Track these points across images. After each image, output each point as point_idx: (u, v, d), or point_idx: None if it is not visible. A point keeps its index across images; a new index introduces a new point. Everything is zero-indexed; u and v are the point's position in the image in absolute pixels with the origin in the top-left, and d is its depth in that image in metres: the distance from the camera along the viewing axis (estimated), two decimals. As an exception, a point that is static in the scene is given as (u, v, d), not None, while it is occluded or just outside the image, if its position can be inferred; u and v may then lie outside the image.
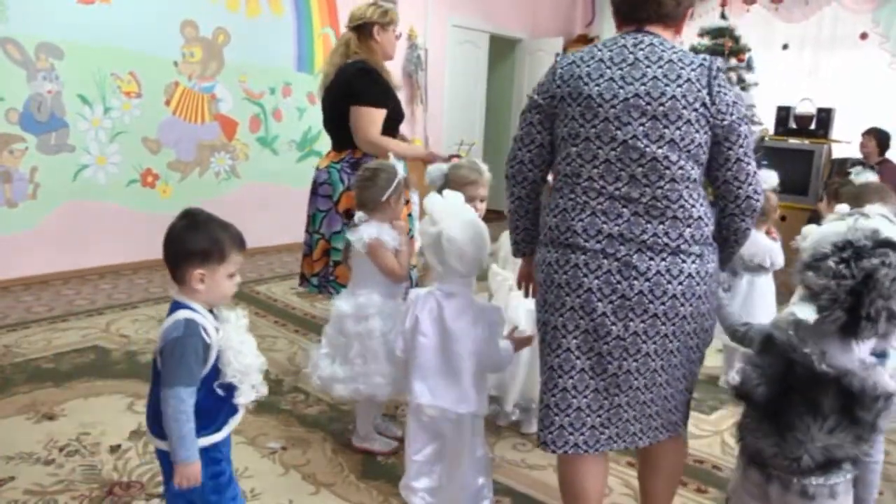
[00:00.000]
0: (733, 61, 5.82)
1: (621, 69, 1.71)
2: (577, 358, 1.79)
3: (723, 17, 6.03)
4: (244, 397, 1.71)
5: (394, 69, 3.59)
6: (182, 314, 1.65)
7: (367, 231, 2.72)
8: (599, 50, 1.77)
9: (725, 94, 1.70)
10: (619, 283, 1.71)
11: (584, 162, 1.74)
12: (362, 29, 3.27)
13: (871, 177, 5.03)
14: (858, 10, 7.32)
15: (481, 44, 8.14)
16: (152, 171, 5.35)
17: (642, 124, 1.68)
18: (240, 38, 5.67)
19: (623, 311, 1.72)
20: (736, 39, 5.84)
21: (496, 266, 3.06)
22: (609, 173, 1.71)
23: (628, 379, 1.77)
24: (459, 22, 7.66)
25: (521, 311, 2.69)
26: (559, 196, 1.80)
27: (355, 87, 3.19)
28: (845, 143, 7.19)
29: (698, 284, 1.73)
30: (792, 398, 1.55)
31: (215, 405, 1.70)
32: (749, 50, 5.87)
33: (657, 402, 1.82)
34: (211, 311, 1.73)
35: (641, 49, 1.72)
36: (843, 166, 6.50)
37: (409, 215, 3.37)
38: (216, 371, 1.68)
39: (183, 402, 1.59)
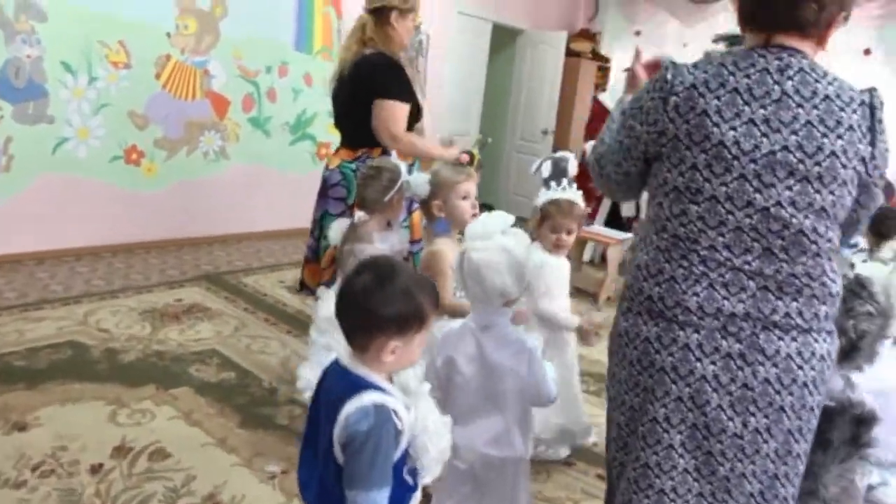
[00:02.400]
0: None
1: (764, 107, 1.36)
2: (681, 456, 1.47)
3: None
4: (430, 476, 1.45)
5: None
6: (370, 398, 1.32)
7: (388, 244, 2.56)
8: (730, 72, 1.39)
9: (884, 141, 1.40)
10: (740, 368, 1.40)
11: (706, 227, 1.39)
12: (380, 13, 2.99)
13: None
14: (863, 24, 7.21)
15: (483, 32, 7.86)
16: (137, 147, 4.98)
17: (790, 188, 1.35)
18: (238, 12, 5.31)
19: (743, 404, 1.42)
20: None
21: None
22: (738, 243, 1.39)
23: (741, 483, 1.46)
24: (465, 9, 7.36)
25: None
26: (664, 260, 1.45)
27: (380, 79, 2.93)
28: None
29: (828, 368, 1.45)
30: None
31: (402, 494, 1.41)
32: (767, 58, 5.66)
33: None
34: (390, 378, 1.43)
35: (790, 78, 1.37)
36: None
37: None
38: (404, 456, 1.40)
39: None
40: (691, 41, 8.32)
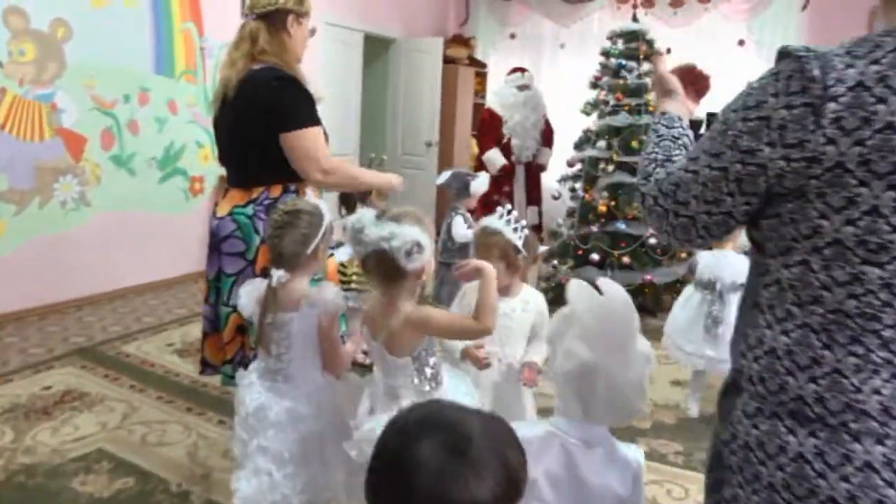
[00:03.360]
0: (645, 66, 5.44)
1: None
2: None
3: (635, 19, 5.63)
4: None
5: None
6: None
7: (321, 296, 2.07)
8: None
9: None
10: None
11: (893, 297, 0.98)
12: (273, 18, 2.46)
13: None
14: (735, 18, 7.32)
15: (355, 44, 7.36)
16: (-26, 203, 4.16)
17: None
18: (84, 33, 4.55)
19: None
20: (650, 44, 5.47)
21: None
22: None
23: None
24: (333, 19, 6.84)
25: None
26: (822, 344, 1.02)
27: (286, 102, 2.39)
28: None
29: None
30: None
31: None
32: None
33: None
34: None
35: None
36: None
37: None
38: None
39: None
40: (568, 41, 8.20)
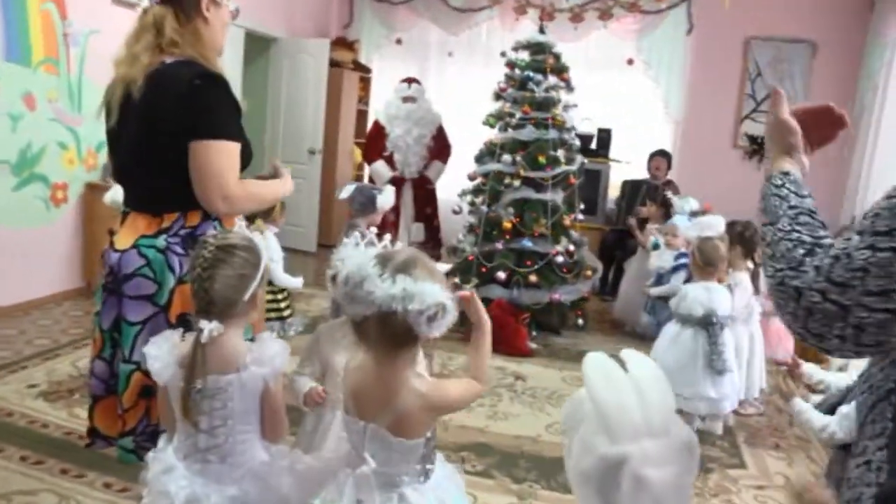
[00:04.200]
0: (552, 79, 5.29)
1: None
2: None
3: (541, 31, 5.46)
4: None
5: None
6: None
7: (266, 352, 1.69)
8: None
9: None
10: None
11: None
12: (182, 2, 2.01)
13: (693, 202, 4.90)
14: (624, 36, 7.40)
15: (235, 40, 6.78)
16: None
17: None
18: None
19: None
20: (557, 57, 5.32)
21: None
22: None
23: None
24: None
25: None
26: None
27: (208, 106, 1.95)
28: (625, 163, 7.22)
29: None
30: None
31: None
32: (568, 69, 5.38)
33: None
34: None
35: None
36: (639, 189, 6.44)
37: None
38: None
39: None
40: (456, 50, 7.98)
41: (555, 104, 5.23)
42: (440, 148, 6.89)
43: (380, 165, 6.77)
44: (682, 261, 4.45)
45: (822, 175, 7.13)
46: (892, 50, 6.24)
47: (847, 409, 2.11)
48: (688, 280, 4.50)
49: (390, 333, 1.43)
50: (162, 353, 1.71)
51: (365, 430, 1.52)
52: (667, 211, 5.65)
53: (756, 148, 7.36)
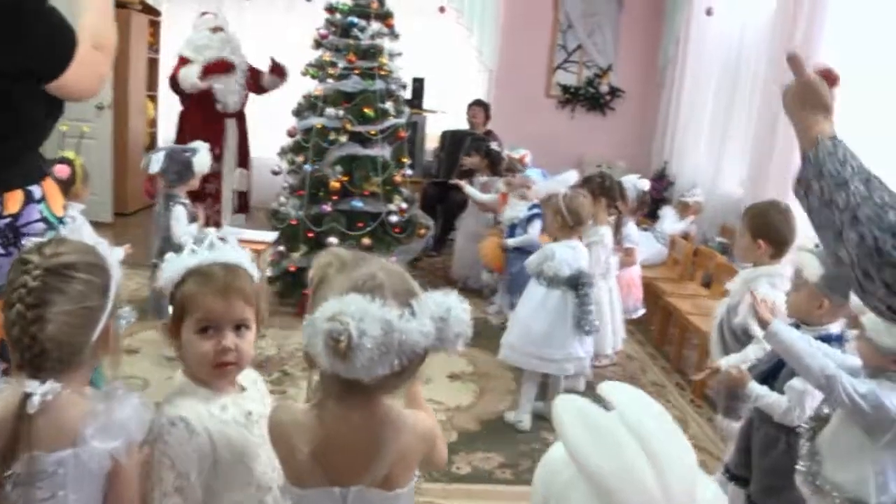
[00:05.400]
0: (375, 25, 4.89)
1: None
2: None
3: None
4: None
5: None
6: None
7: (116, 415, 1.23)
8: None
9: None
10: None
11: None
12: None
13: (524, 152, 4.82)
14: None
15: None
16: None
17: None
18: None
19: None
20: (381, 2, 4.91)
21: None
22: None
23: None
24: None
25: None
26: None
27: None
28: (441, 113, 7.05)
29: None
30: None
31: None
32: (393, 14, 5.01)
33: None
34: None
35: None
36: (464, 140, 6.29)
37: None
38: None
39: None
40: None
41: (381, 52, 4.85)
42: (254, 79, 5.96)
43: (187, 70, 5.65)
44: (536, 211, 4.31)
45: (632, 120, 7.45)
46: (689, 5, 6.51)
47: (799, 384, 2.05)
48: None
49: (400, 372, 1.10)
50: None
51: (345, 499, 1.15)
52: (492, 162, 5.53)
53: (569, 98, 7.47)
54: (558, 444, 0.87)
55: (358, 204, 4.77)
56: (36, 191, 1.61)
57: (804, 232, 2.62)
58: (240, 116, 5.87)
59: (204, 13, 6.05)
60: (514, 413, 3.27)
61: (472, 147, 5.94)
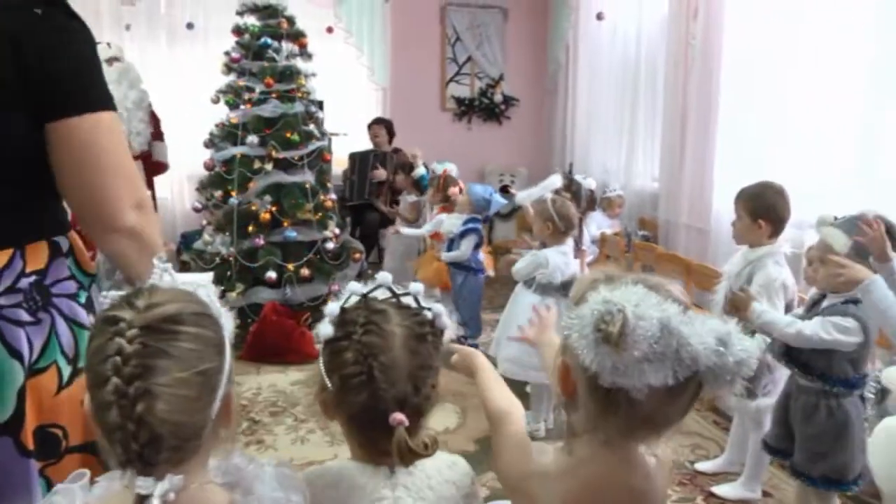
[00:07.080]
0: (289, 46, 4.70)
1: None
2: None
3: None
4: None
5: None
6: None
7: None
8: None
9: None
10: None
11: None
12: None
13: (451, 166, 4.77)
14: (322, 3, 6.98)
15: None
16: None
17: None
18: None
19: None
20: (291, 21, 4.72)
21: None
22: None
23: None
24: None
25: None
26: None
27: (68, 54, 1.28)
28: (343, 135, 6.89)
29: None
30: None
31: None
32: (306, 34, 4.82)
33: None
34: None
35: None
36: (371, 160, 6.23)
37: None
38: None
39: None
40: (134, 23, 6.74)
41: (297, 74, 4.66)
42: (154, 124, 5.55)
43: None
44: (471, 225, 4.25)
45: (528, 127, 7.57)
46: (576, 12, 6.72)
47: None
48: (477, 246, 4.35)
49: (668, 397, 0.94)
50: None
51: None
52: (417, 181, 5.45)
53: (464, 110, 7.50)
54: None
55: (291, 234, 4.54)
56: (63, 242, 1.35)
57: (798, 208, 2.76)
58: (146, 158, 5.38)
59: (97, 43, 5.53)
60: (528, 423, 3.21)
61: (376, 161, 6.07)
